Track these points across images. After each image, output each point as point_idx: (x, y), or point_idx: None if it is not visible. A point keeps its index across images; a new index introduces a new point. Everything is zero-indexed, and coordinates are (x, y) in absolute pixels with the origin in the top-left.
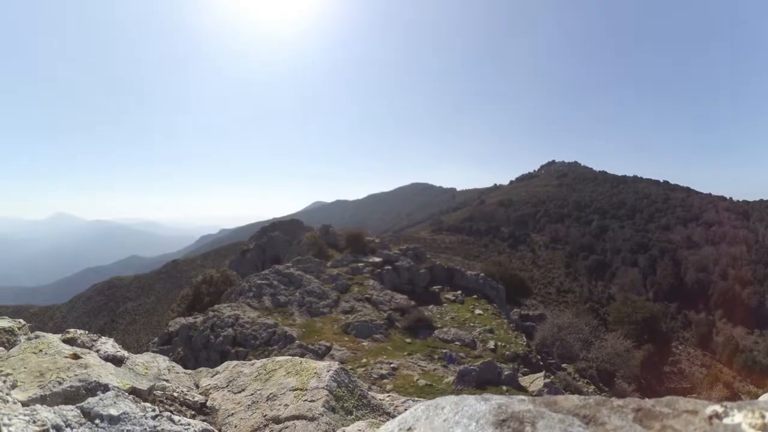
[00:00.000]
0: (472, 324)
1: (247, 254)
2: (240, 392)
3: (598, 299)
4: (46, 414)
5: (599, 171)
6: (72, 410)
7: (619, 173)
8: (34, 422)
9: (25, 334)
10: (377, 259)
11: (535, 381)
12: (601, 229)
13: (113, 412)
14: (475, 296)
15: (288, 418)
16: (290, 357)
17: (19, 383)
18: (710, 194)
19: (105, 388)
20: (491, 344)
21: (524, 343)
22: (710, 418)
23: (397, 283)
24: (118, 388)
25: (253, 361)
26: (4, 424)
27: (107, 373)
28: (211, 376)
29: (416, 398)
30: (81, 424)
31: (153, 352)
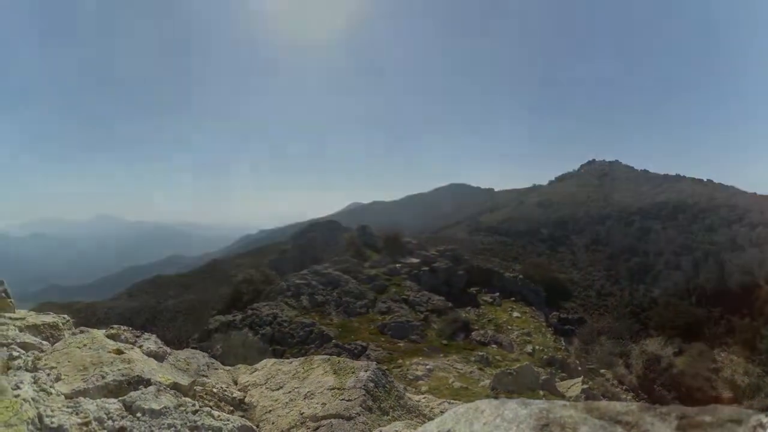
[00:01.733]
0: (509, 327)
1: (287, 254)
2: (278, 390)
3: (639, 303)
4: (89, 406)
5: (641, 170)
6: (114, 403)
7: (661, 172)
8: (77, 414)
9: (69, 329)
10: (415, 260)
11: (573, 386)
12: (643, 231)
13: (155, 406)
14: (513, 299)
15: (325, 417)
16: (328, 356)
17: (62, 376)
18: (755, 194)
19: (147, 382)
20: (529, 348)
21: (562, 348)
22: (755, 427)
23: (434, 284)
24: (159, 383)
25: (290, 360)
26: (47, 416)
27: (149, 369)
28: (250, 374)
29: (452, 400)
30: (123, 417)
31: (193, 348)
